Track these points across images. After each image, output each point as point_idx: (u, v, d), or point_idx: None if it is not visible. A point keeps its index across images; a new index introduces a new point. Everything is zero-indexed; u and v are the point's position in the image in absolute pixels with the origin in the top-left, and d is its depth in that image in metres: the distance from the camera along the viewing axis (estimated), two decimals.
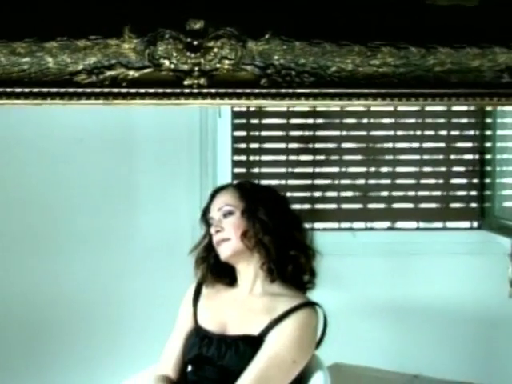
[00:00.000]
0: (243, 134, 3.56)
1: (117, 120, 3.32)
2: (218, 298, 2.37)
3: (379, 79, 1.45)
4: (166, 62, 1.48)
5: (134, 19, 1.48)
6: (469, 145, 3.62)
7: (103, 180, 3.44)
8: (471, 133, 3.62)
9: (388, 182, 3.61)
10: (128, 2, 1.47)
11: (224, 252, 2.31)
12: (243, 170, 3.55)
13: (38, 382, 3.43)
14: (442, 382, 3.19)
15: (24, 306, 3.42)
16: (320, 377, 2.26)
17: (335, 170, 3.60)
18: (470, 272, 3.51)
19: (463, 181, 3.63)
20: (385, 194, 3.62)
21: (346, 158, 3.60)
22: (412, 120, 3.60)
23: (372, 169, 3.61)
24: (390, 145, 3.62)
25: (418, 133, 3.61)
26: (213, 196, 2.38)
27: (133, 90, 1.49)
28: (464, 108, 3.55)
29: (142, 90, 1.49)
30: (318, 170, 3.60)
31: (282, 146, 3.58)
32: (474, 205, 3.62)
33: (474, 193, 3.61)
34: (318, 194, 3.61)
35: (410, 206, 3.63)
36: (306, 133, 3.59)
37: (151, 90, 1.49)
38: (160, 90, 1.49)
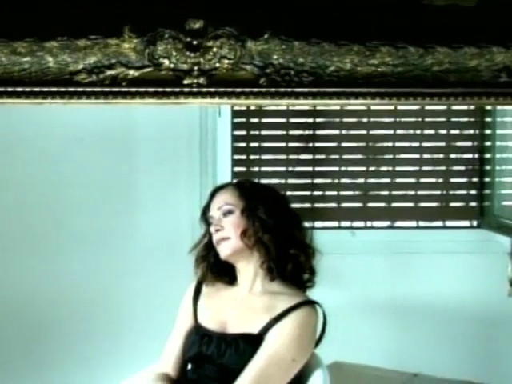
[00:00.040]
0: (243, 132, 3.56)
1: (117, 119, 3.32)
2: (217, 297, 2.38)
3: (378, 78, 1.45)
4: (166, 62, 1.49)
5: (133, 19, 1.48)
6: (468, 144, 3.63)
7: (103, 179, 3.44)
8: (471, 132, 3.62)
9: (388, 180, 3.61)
10: (128, 2, 1.48)
11: (224, 251, 2.32)
12: (243, 169, 3.55)
13: (38, 381, 3.44)
14: (442, 380, 3.19)
15: (24, 305, 3.42)
16: (319, 375, 2.27)
17: (335, 168, 3.60)
18: (469, 271, 3.52)
19: (463, 180, 3.63)
20: (384, 192, 3.62)
21: (346, 156, 3.60)
22: (412, 119, 3.60)
23: (372, 168, 3.61)
24: (389, 144, 3.62)
25: (418, 132, 3.61)
26: (212, 195, 2.39)
27: (133, 90, 1.49)
28: (464, 107, 3.55)
29: (142, 90, 1.50)
30: (317, 168, 3.60)
31: (282, 144, 3.58)
32: (473, 204, 3.62)
33: (473, 192, 3.61)
34: (317, 192, 3.62)
35: (410, 204, 3.63)
36: (306, 132, 3.60)
37: (151, 90, 1.49)
38: (160, 90, 1.49)
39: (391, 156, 3.62)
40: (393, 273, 3.52)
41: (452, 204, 3.64)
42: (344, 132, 3.60)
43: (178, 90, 1.49)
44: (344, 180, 3.61)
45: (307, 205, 3.59)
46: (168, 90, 1.49)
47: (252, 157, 3.57)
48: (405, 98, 1.44)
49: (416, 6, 1.43)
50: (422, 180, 3.62)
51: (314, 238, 2.39)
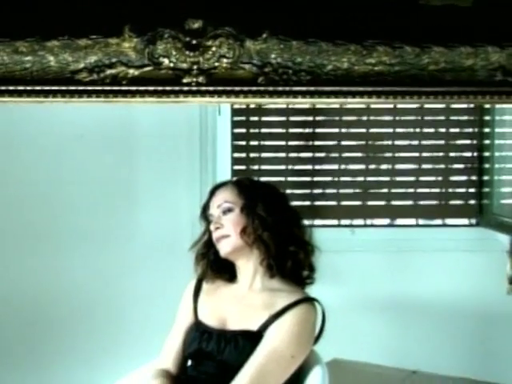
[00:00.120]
0: (243, 131, 3.57)
1: (117, 117, 3.33)
2: (217, 294, 2.38)
3: (375, 77, 1.46)
4: (166, 61, 1.49)
5: (133, 19, 1.49)
6: (467, 142, 3.63)
7: (103, 176, 3.45)
8: (470, 130, 3.62)
9: (387, 179, 3.62)
10: (128, 2, 1.48)
11: (224, 248, 2.33)
12: (243, 167, 3.56)
13: (39, 378, 3.45)
14: (441, 377, 3.19)
15: (24, 302, 3.42)
16: (318, 372, 2.27)
17: (335, 167, 3.61)
18: (468, 269, 3.52)
19: (462, 178, 3.64)
20: (384, 191, 3.63)
21: (346, 155, 3.61)
22: (411, 117, 3.61)
23: (371, 166, 3.62)
24: (389, 142, 3.63)
25: (417, 130, 3.62)
26: (212, 193, 2.39)
27: (133, 88, 1.50)
28: (463, 106, 3.56)
29: (142, 88, 1.50)
30: (317, 167, 3.61)
31: (282, 143, 3.59)
32: (472, 202, 3.63)
33: (472, 190, 3.62)
34: (317, 190, 3.62)
35: (409, 202, 3.64)
36: (306, 130, 3.61)
37: (151, 88, 1.50)
38: (159, 88, 1.50)
39: (391, 154, 3.62)
40: (392, 270, 3.53)
41: (451, 202, 3.65)
42: (344, 130, 3.61)
43: (177, 88, 1.50)
44: (344, 178, 3.61)
45: (307, 203, 3.60)
46: (168, 88, 1.50)
47: (252, 155, 3.58)
48: (401, 97, 1.45)
49: (412, 6, 1.44)
50: (422, 178, 3.63)
51: (314, 236, 2.39)
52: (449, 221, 3.69)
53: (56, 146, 3.42)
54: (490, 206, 3.54)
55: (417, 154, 3.63)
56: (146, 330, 3.32)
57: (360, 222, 3.67)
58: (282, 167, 3.60)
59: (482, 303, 3.49)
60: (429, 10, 1.46)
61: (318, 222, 3.57)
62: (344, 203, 3.63)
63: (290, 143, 3.60)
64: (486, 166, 3.58)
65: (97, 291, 3.45)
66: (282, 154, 3.60)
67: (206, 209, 2.40)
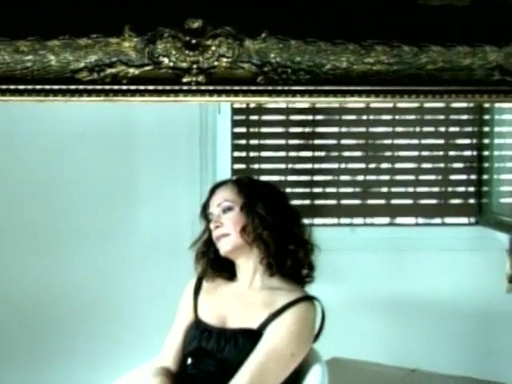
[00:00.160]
0: (243, 130, 3.57)
1: (117, 116, 3.33)
2: (217, 292, 2.39)
3: (373, 77, 1.47)
4: (166, 60, 1.50)
5: (134, 18, 1.50)
6: (467, 141, 3.64)
7: (103, 175, 3.45)
8: (469, 129, 3.63)
9: (387, 178, 3.62)
10: (128, 2, 1.49)
11: (223, 247, 2.33)
12: (243, 166, 3.57)
13: (39, 377, 3.45)
14: (440, 376, 3.19)
15: (24, 301, 3.43)
16: (318, 370, 2.27)
17: (334, 166, 3.61)
18: (467, 267, 3.52)
19: (461, 177, 3.64)
20: (384, 189, 3.63)
21: (346, 154, 3.61)
22: (411, 117, 3.62)
23: (371, 165, 3.62)
24: (389, 141, 3.63)
25: (417, 129, 3.62)
26: (212, 192, 2.40)
27: (133, 87, 1.51)
28: (462, 105, 3.57)
29: (142, 87, 1.51)
30: (317, 166, 3.61)
31: (282, 142, 3.60)
32: (471, 201, 3.64)
33: (471, 189, 3.63)
34: (317, 189, 3.63)
35: (409, 201, 3.65)
36: (306, 129, 3.61)
37: (151, 87, 1.51)
38: (159, 87, 1.51)
39: (390, 153, 3.63)
40: (392, 269, 3.53)
41: (451, 201, 3.66)
42: (343, 129, 3.61)
43: (177, 87, 1.50)
44: (343, 177, 3.62)
45: (307, 202, 3.60)
46: (167, 87, 1.51)
47: (252, 154, 3.58)
48: (400, 96, 1.46)
49: (411, 6, 1.45)
50: (421, 177, 3.63)
51: (313, 234, 2.39)
52: (448, 220, 3.69)
53: (56, 144, 3.42)
54: (490, 204, 3.55)
55: (416, 153, 3.63)
56: (146, 328, 3.32)
57: (360, 220, 3.67)
58: (282, 166, 3.60)
59: (482, 302, 3.49)
60: (427, 10, 1.46)
61: (317, 220, 3.57)
62: (344, 202, 3.63)
63: (290, 142, 3.60)
64: (486, 165, 3.59)
65: (97, 290, 3.45)
66: (282, 153, 3.60)
67: (206, 207, 2.40)
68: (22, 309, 3.44)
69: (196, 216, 2.45)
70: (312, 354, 2.31)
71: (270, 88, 1.48)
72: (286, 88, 1.49)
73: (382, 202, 3.64)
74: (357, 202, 3.64)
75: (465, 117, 3.63)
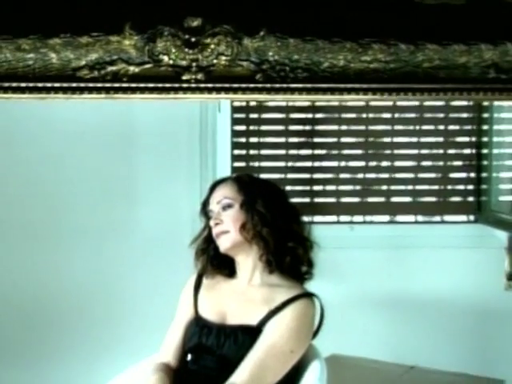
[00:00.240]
0: (243, 128, 3.58)
1: (117, 114, 3.32)
2: (217, 289, 2.40)
3: (370, 75, 1.48)
4: (165, 58, 1.51)
5: (134, 17, 1.51)
6: (466, 139, 3.64)
7: (104, 173, 3.45)
8: (468, 127, 3.63)
9: (386, 176, 3.63)
10: (128, 1, 1.50)
11: (223, 244, 2.34)
12: (243, 164, 3.57)
13: (38, 375, 3.45)
14: (438, 372, 3.20)
15: (24, 299, 3.42)
16: (317, 366, 2.29)
17: (334, 164, 3.62)
18: (466, 265, 3.53)
19: (460, 175, 3.65)
20: (383, 187, 3.64)
21: (345, 152, 3.61)
22: (410, 115, 3.62)
23: (371, 163, 3.63)
24: (388, 139, 3.64)
25: (416, 127, 3.63)
26: (212, 189, 2.41)
27: (133, 85, 1.52)
28: (461, 103, 3.58)
29: (142, 85, 1.52)
30: (317, 164, 3.61)
31: (282, 140, 3.60)
32: (471, 199, 3.64)
33: (471, 187, 3.63)
34: (317, 187, 3.63)
35: (408, 199, 3.65)
36: (306, 127, 3.62)
37: (151, 85, 1.52)
38: (159, 85, 1.51)
39: (390, 151, 3.63)
40: (391, 267, 3.53)
41: (450, 199, 3.66)
42: (343, 127, 3.62)
43: (177, 85, 1.51)
44: (343, 175, 3.62)
45: (307, 199, 3.61)
46: (167, 85, 1.52)
47: (251, 152, 3.59)
48: (396, 94, 1.47)
49: (407, 5, 1.46)
50: (421, 175, 3.63)
51: (312, 232, 2.40)
52: (447, 218, 3.69)
53: (56, 143, 3.42)
54: (489, 202, 3.55)
55: (416, 151, 3.64)
56: (146, 325, 3.32)
57: (359, 218, 3.68)
58: (282, 164, 3.61)
59: (480, 299, 3.49)
60: (423, 9, 1.47)
61: (317, 218, 3.58)
62: (343, 200, 3.64)
63: (290, 140, 3.61)
64: (485, 163, 3.59)
65: (97, 287, 3.45)
66: (282, 151, 3.61)
67: (205, 205, 2.41)
68: (21, 306, 3.44)
69: (196, 213, 2.46)
70: (311, 350, 2.32)
71: (268, 86, 1.49)
72: (285, 86, 1.49)
73: (382, 199, 3.65)
74: (356, 200, 3.65)
75: (464, 115, 3.63)
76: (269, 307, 2.26)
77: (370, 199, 3.65)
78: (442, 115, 3.62)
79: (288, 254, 2.34)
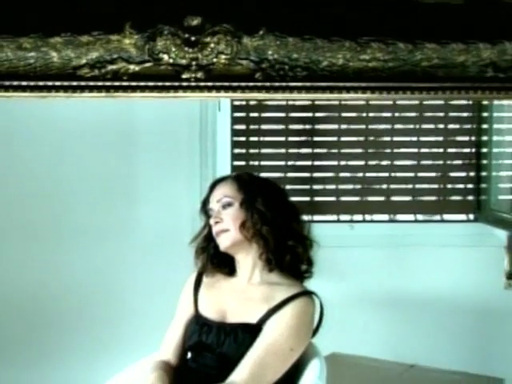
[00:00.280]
0: (243, 127, 3.59)
1: (118, 113, 3.33)
2: (217, 287, 2.41)
3: (369, 73, 1.48)
4: (165, 57, 1.52)
5: (134, 16, 1.51)
6: (466, 138, 3.65)
7: (104, 172, 3.45)
8: (468, 126, 3.64)
9: (386, 175, 3.64)
10: (129, 0, 1.51)
11: (223, 242, 2.35)
12: (243, 163, 3.58)
13: (38, 373, 3.45)
14: (438, 371, 3.21)
15: (24, 298, 3.43)
16: (316, 364, 2.30)
17: (334, 163, 3.62)
18: (466, 264, 3.54)
19: (460, 174, 3.65)
20: (383, 186, 3.64)
21: (345, 151, 3.62)
22: (410, 114, 3.63)
23: (370, 162, 3.63)
24: (388, 138, 3.64)
25: (416, 126, 3.63)
26: (212, 187, 2.41)
27: (133, 84, 1.53)
28: (461, 102, 3.58)
29: (143, 84, 1.53)
30: (316, 163, 3.62)
31: (282, 139, 3.61)
32: (470, 198, 3.65)
33: (470, 186, 3.64)
34: (317, 186, 3.64)
35: (408, 198, 3.66)
36: (306, 126, 3.62)
37: (151, 84, 1.52)
38: (159, 84, 1.52)
39: (390, 150, 3.64)
40: (391, 266, 3.54)
41: (449, 198, 3.67)
42: (343, 126, 3.62)
43: (176, 84, 1.52)
44: (343, 174, 3.63)
45: (306, 198, 3.61)
46: (167, 84, 1.52)
47: (251, 151, 3.59)
48: (395, 92, 1.48)
49: (406, 4, 1.47)
50: (420, 174, 3.64)
51: (312, 230, 2.41)
52: (447, 216, 3.70)
53: (56, 141, 3.42)
54: (488, 201, 3.56)
55: (416, 150, 3.64)
56: (146, 324, 3.32)
57: (359, 217, 3.69)
58: (282, 163, 3.61)
59: (480, 298, 3.50)
60: (422, 8, 1.48)
61: (317, 217, 3.59)
62: (343, 199, 3.65)
63: (290, 139, 3.61)
64: (484, 162, 3.60)
65: (97, 286, 3.46)
66: (282, 150, 3.61)
67: (205, 203, 2.42)
68: (21, 305, 3.45)
69: (196, 212, 2.47)
70: (310, 348, 2.33)
71: (267, 84, 1.50)
72: (284, 84, 1.50)
73: (382, 198, 3.66)
74: (356, 198, 3.65)
75: (464, 114, 3.64)
76: (268, 305, 2.26)
77: (370, 198, 3.66)
78: (441, 114, 3.63)
79: (288, 252, 2.34)
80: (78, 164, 3.44)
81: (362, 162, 3.63)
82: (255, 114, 3.58)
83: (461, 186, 3.66)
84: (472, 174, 3.64)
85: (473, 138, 3.64)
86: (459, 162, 3.66)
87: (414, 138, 3.64)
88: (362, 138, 3.63)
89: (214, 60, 1.51)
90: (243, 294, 2.34)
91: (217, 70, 1.51)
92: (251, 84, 1.49)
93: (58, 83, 1.52)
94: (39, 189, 3.43)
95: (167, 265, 3.37)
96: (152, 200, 3.47)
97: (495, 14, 1.48)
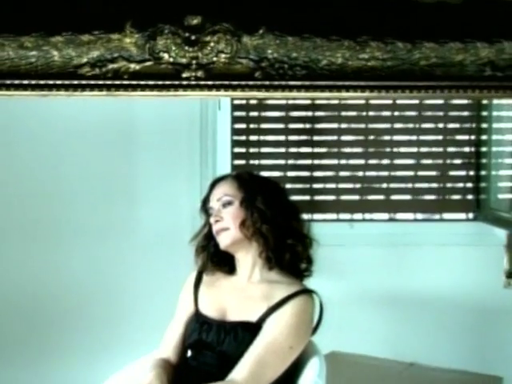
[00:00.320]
0: (243, 126, 3.59)
1: (118, 112, 3.33)
2: (217, 286, 2.41)
3: (368, 72, 1.49)
4: (166, 56, 1.53)
5: (135, 15, 1.52)
6: (465, 137, 3.65)
7: (104, 171, 3.45)
8: (468, 126, 3.64)
9: (386, 174, 3.64)
10: None
11: (223, 241, 2.35)
12: (243, 162, 3.58)
13: (37, 372, 3.46)
14: (437, 369, 3.21)
15: (24, 297, 3.44)
16: (316, 362, 2.30)
17: (334, 162, 3.62)
18: (465, 263, 3.54)
19: (460, 173, 3.66)
20: (383, 185, 3.64)
21: (345, 150, 3.62)
22: (410, 113, 3.63)
23: (370, 161, 3.64)
24: (388, 137, 3.64)
25: (416, 126, 3.64)
26: (212, 186, 2.42)
27: (134, 82, 1.54)
28: (461, 101, 3.58)
29: (143, 82, 1.54)
30: (316, 162, 3.62)
31: (282, 138, 3.61)
32: (470, 197, 3.65)
33: (470, 185, 3.64)
34: (317, 185, 3.64)
35: (408, 197, 3.66)
36: (306, 125, 3.63)
37: (151, 82, 1.54)
38: (160, 82, 1.53)
39: (389, 149, 3.64)
40: (390, 264, 3.54)
41: (449, 197, 3.67)
42: (343, 126, 3.63)
43: (177, 82, 1.53)
44: (343, 173, 3.63)
45: (306, 197, 3.62)
46: (167, 82, 1.53)
47: (252, 150, 3.60)
48: (394, 91, 1.49)
49: (404, 3, 1.48)
50: (420, 173, 3.64)
51: (312, 229, 2.41)
52: (447, 215, 3.71)
53: (57, 141, 3.42)
54: (488, 200, 3.56)
55: (415, 150, 3.65)
56: (146, 322, 3.31)
57: (359, 216, 3.69)
58: (282, 162, 3.62)
59: (480, 296, 3.50)
60: (420, 7, 1.49)
61: (317, 216, 3.59)
62: (343, 198, 3.65)
63: (290, 138, 3.62)
64: (484, 161, 3.60)
65: (97, 285, 3.46)
66: (282, 149, 3.62)
67: (206, 202, 2.42)
68: (21, 305, 3.45)
69: (196, 210, 2.47)
70: (310, 346, 2.33)
71: (267, 83, 1.51)
72: (283, 83, 1.51)
73: (381, 197, 3.66)
74: (356, 197, 3.66)
75: (463, 113, 3.64)
76: (268, 304, 2.27)
77: (370, 197, 3.66)
78: (441, 113, 3.63)
79: (287, 250, 2.35)
80: (78, 163, 3.45)
81: (361, 161, 3.64)
82: (255, 114, 3.59)
83: (460, 185, 3.67)
84: (471, 173, 3.64)
85: (472, 137, 3.64)
86: (459, 161, 3.66)
87: (414, 137, 3.65)
88: (361, 137, 3.63)
89: (214, 59, 1.52)
90: (243, 293, 2.35)
91: (217, 69, 1.52)
92: (251, 83, 1.50)
93: (59, 82, 1.53)
94: (39, 188, 3.43)
95: (167, 263, 3.37)
96: (152, 199, 3.48)
97: (493, 13, 1.49)
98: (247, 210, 2.33)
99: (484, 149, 3.60)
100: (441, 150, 3.65)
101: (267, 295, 2.29)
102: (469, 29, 1.50)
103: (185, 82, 1.52)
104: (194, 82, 1.52)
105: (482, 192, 3.60)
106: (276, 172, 3.58)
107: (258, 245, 2.34)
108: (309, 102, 3.54)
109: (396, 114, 3.62)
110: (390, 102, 3.57)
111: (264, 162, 3.61)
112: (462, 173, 3.66)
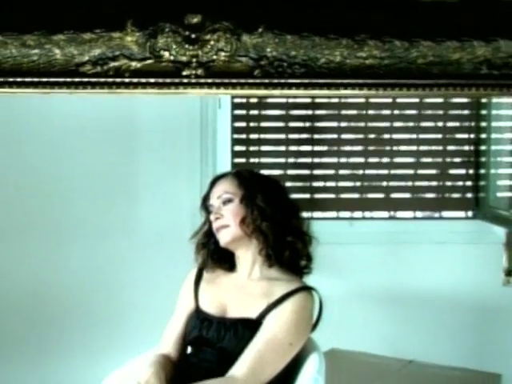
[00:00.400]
0: (243, 124, 3.60)
1: (118, 111, 3.34)
2: (217, 283, 2.42)
3: (366, 70, 1.51)
4: (166, 54, 1.54)
5: (136, 14, 1.54)
6: (465, 136, 3.66)
7: (105, 169, 3.46)
8: (467, 124, 3.65)
9: (385, 172, 3.65)
10: None
11: (223, 238, 2.36)
12: (243, 160, 3.59)
13: (38, 371, 3.47)
14: (437, 367, 3.22)
15: (24, 296, 3.45)
16: (315, 359, 2.31)
17: (334, 160, 3.63)
18: (465, 261, 3.54)
19: (459, 171, 3.66)
20: (383, 184, 3.65)
21: (345, 148, 3.63)
22: (410, 112, 3.64)
23: (370, 159, 3.64)
24: (388, 136, 3.65)
25: (416, 124, 3.64)
26: (212, 184, 2.43)
27: (135, 80, 1.55)
28: (460, 100, 3.59)
29: (144, 80, 1.55)
30: (316, 160, 3.63)
31: (282, 136, 3.62)
32: (469, 195, 3.66)
33: (469, 183, 3.65)
34: (316, 183, 3.65)
35: (407, 195, 3.67)
36: (306, 124, 3.64)
37: (152, 80, 1.55)
38: (160, 80, 1.55)
39: (389, 148, 3.65)
40: (390, 262, 3.55)
41: (448, 195, 3.68)
42: (343, 124, 3.64)
43: (177, 80, 1.54)
44: (342, 171, 3.64)
45: (306, 195, 3.62)
46: (168, 80, 1.54)
47: (252, 148, 3.61)
48: (391, 89, 1.50)
49: (402, 2, 1.49)
50: (420, 171, 3.65)
51: (311, 227, 2.42)
52: (446, 214, 3.72)
53: (57, 139, 3.42)
54: (487, 199, 3.56)
55: (415, 148, 3.66)
56: (146, 319, 3.32)
57: (359, 214, 3.70)
58: (282, 160, 3.63)
59: (479, 294, 3.51)
60: (418, 6, 1.50)
61: (317, 214, 3.60)
62: (343, 196, 3.66)
63: (290, 137, 3.63)
64: (483, 159, 3.61)
65: (98, 282, 3.46)
66: (282, 148, 3.63)
67: (206, 199, 2.43)
68: (21, 303, 3.46)
69: (196, 208, 2.48)
70: (310, 343, 2.34)
71: (266, 81, 1.52)
72: (282, 81, 1.52)
73: (381, 196, 3.67)
74: (356, 195, 3.67)
75: (463, 112, 3.65)
76: (268, 300, 2.28)
77: (370, 195, 3.67)
78: (440, 112, 3.64)
79: (287, 248, 2.36)
80: (79, 161, 3.45)
81: (361, 160, 3.65)
82: (255, 112, 3.59)
83: (460, 183, 3.68)
84: (471, 171, 3.65)
85: (472, 136, 3.65)
86: (458, 159, 3.67)
87: (414, 136, 3.66)
88: (361, 136, 3.64)
89: (214, 57, 1.53)
90: (243, 290, 2.36)
91: (216, 67, 1.53)
92: (250, 81, 1.51)
93: (61, 80, 1.54)
94: (39, 186, 3.44)
95: (168, 260, 3.38)
96: (152, 197, 3.48)
97: (489, 12, 1.50)
98: (247, 207, 2.34)
99: (483, 147, 3.61)
100: (440, 148, 3.66)
101: (267, 292, 2.30)
102: (465, 28, 1.51)
103: (185, 80, 1.53)
104: (194, 80, 1.53)
105: (482, 190, 3.61)
106: (276, 170, 3.59)
107: (257, 242, 2.35)
108: (309, 100, 3.55)
109: (396, 112, 3.63)
110: (389, 100, 3.58)
111: (264, 160, 3.62)
112: (462, 171, 3.67)
